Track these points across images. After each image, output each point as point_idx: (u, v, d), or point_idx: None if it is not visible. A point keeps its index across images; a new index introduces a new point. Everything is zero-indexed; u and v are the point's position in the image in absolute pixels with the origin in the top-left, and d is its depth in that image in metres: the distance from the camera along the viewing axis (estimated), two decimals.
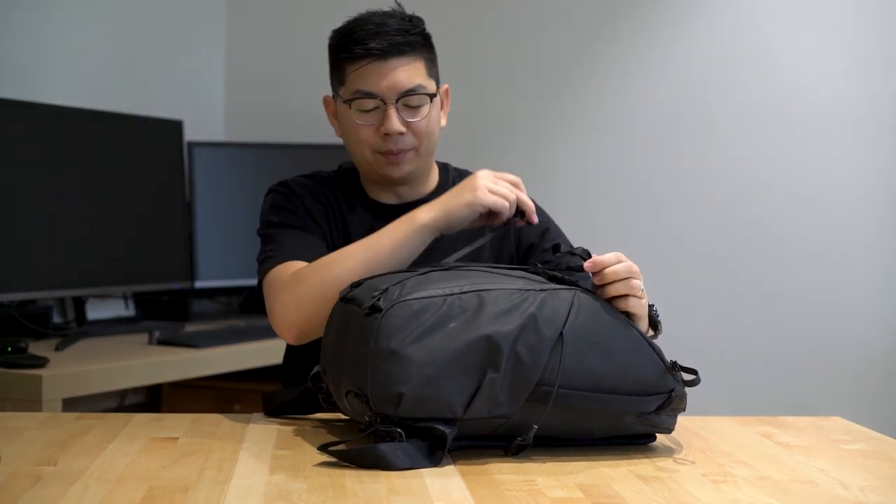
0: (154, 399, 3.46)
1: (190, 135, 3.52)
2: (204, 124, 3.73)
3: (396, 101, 1.83)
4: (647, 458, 1.50)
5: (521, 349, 1.42)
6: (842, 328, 3.32)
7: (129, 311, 3.44)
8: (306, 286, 1.73)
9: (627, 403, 1.49)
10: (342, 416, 1.65)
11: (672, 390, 1.51)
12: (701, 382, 1.53)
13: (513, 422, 1.45)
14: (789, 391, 3.36)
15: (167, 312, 3.42)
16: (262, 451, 1.49)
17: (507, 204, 1.74)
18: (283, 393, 1.74)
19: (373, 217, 1.91)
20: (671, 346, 1.63)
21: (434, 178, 1.98)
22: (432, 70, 1.89)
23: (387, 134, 1.84)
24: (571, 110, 3.59)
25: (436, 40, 1.91)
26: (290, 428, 1.64)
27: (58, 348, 2.78)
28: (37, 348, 2.74)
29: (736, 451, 1.56)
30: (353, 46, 1.83)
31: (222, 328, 3.22)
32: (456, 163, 2.04)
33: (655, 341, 1.56)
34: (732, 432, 1.69)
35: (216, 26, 3.87)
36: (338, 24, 1.89)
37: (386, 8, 1.89)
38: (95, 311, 3.31)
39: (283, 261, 1.80)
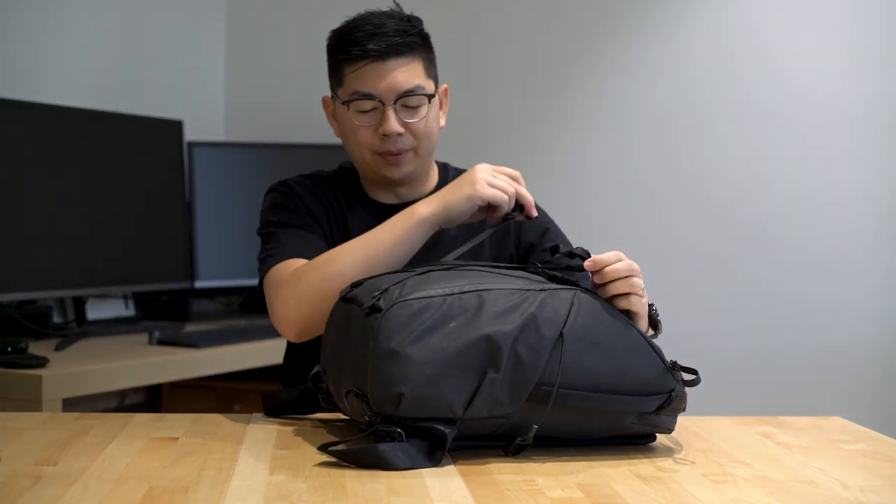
0: (154, 399, 3.46)
1: (190, 135, 3.52)
2: (204, 124, 3.73)
3: (395, 102, 1.83)
4: (647, 458, 1.50)
5: (521, 349, 1.42)
6: (840, 328, 3.32)
7: (129, 311, 3.44)
8: (307, 283, 1.73)
9: (627, 403, 1.49)
10: (342, 416, 1.66)
11: (672, 390, 1.51)
12: (701, 382, 1.54)
13: (513, 422, 1.45)
14: (788, 391, 3.36)
15: (167, 312, 3.43)
16: (262, 451, 1.49)
17: (506, 197, 1.74)
18: (283, 393, 1.74)
19: (373, 217, 1.91)
20: (670, 346, 1.63)
21: (433, 177, 1.98)
22: (431, 70, 1.89)
23: (385, 135, 1.84)
24: (570, 110, 3.60)
25: (435, 40, 1.91)
26: (290, 428, 1.64)
27: (58, 348, 2.78)
28: (37, 348, 2.74)
29: (736, 451, 1.56)
30: (351, 48, 1.83)
31: (222, 328, 3.22)
32: (455, 163, 2.04)
33: (655, 341, 1.56)
34: (732, 432, 1.69)
35: (216, 26, 3.87)
36: (338, 24, 1.89)
37: (384, 8, 1.89)
38: (95, 311, 3.31)
39: (284, 259, 1.80)
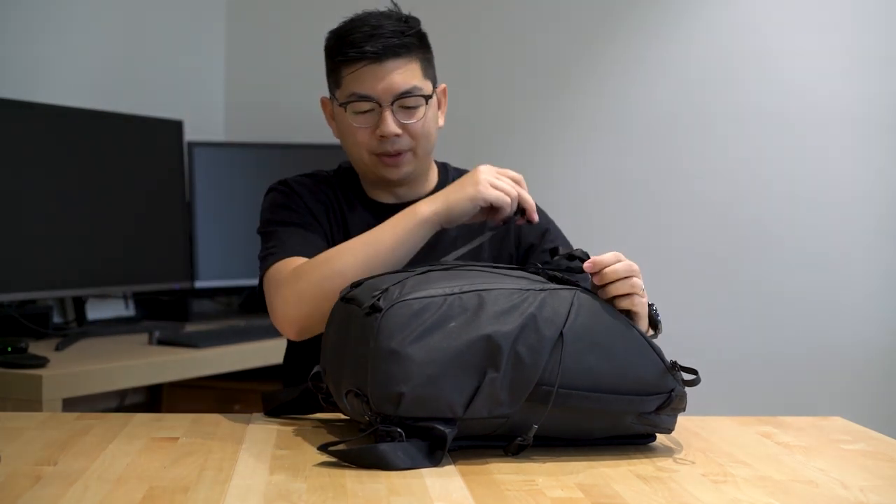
0: (154, 399, 3.46)
1: (190, 135, 3.52)
2: (204, 124, 3.73)
3: (392, 104, 1.83)
4: (647, 458, 1.50)
5: (521, 349, 1.42)
6: (840, 328, 3.32)
7: (129, 311, 3.44)
8: (307, 282, 1.73)
9: (627, 403, 1.49)
10: (342, 416, 1.66)
11: (672, 390, 1.51)
12: (701, 382, 1.53)
13: (513, 422, 1.45)
14: (788, 391, 3.36)
15: (167, 312, 3.43)
16: (262, 451, 1.49)
17: (508, 200, 1.74)
18: (283, 393, 1.74)
19: (372, 216, 1.91)
20: (670, 346, 1.63)
21: (433, 177, 1.98)
22: (428, 71, 1.88)
23: (383, 136, 1.84)
24: (570, 110, 3.60)
25: (434, 40, 1.91)
26: (290, 428, 1.64)
27: (58, 348, 2.78)
28: (37, 348, 2.74)
29: (736, 451, 1.56)
30: (348, 49, 1.83)
31: (222, 328, 3.22)
32: (455, 163, 2.04)
33: (655, 341, 1.56)
34: (732, 432, 1.69)
35: (216, 26, 3.87)
36: (337, 24, 1.89)
37: (382, 8, 1.89)
38: (95, 311, 3.31)
39: (284, 257, 1.80)
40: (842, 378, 3.31)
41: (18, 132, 2.94)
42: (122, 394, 3.30)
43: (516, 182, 1.77)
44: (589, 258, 1.57)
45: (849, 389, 3.30)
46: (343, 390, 1.47)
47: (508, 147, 3.63)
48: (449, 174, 1.99)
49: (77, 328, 3.13)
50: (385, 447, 1.39)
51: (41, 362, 2.56)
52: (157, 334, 2.98)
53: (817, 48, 3.35)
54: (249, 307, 3.59)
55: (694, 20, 3.46)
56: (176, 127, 3.42)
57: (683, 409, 1.55)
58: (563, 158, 3.60)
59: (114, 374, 2.68)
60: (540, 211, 1.91)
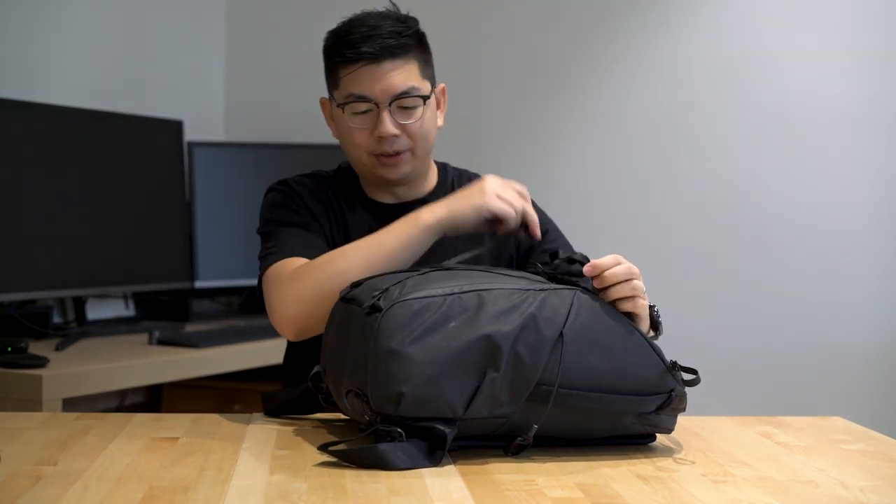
0: (154, 399, 3.46)
1: (190, 135, 3.52)
2: (204, 124, 3.73)
3: (389, 104, 1.82)
4: (647, 458, 1.50)
5: (521, 349, 1.42)
6: (840, 328, 3.32)
7: (129, 311, 3.44)
8: (307, 283, 1.73)
9: (627, 403, 1.49)
10: (342, 416, 1.66)
11: (672, 390, 1.51)
12: (701, 382, 1.53)
13: (513, 422, 1.45)
14: (788, 391, 3.36)
15: (167, 312, 3.43)
16: (262, 451, 1.49)
17: (513, 212, 1.74)
18: (283, 393, 1.74)
19: (372, 216, 1.91)
20: (670, 346, 1.63)
21: (433, 177, 1.98)
22: (426, 71, 1.88)
23: (381, 137, 1.84)
24: (570, 110, 3.60)
25: (434, 40, 1.91)
26: (290, 428, 1.64)
27: (58, 348, 2.78)
28: (37, 348, 2.74)
29: (736, 451, 1.56)
30: (345, 50, 1.83)
31: (222, 328, 3.22)
32: (455, 163, 2.04)
33: (655, 341, 1.56)
34: (732, 432, 1.69)
35: (216, 26, 3.87)
36: (337, 23, 1.89)
37: (381, 8, 1.89)
38: (95, 311, 3.31)
39: (284, 257, 1.80)
40: (842, 378, 3.31)
41: (18, 132, 2.94)
42: (122, 394, 3.30)
43: (521, 196, 1.77)
44: (588, 261, 1.57)
45: (849, 389, 3.30)
46: (343, 390, 1.47)
47: (508, 147, 3.63)
48: (449, 174, 1.99)
49: (77, 328, 3.13)
50: (385, 447, 1.39)
51: (41, 362, 2.56)
52: (157, 334, 2.98)
53: (817, 48, 3.35)
54: (249, 307, 3.59)
55: (694, 20, 3.46)
56: (176, 127, 3.42)
57: (683, 409, 1.55)
58: (562, 158, 3.60)
59: (114, 374, 2.68)
60: (540, 211, 1.91)
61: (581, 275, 1.56)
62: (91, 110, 3.17)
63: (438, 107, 1.92)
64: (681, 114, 3.48)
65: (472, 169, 2.04)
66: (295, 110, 3.71)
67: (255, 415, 1.73)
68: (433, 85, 1.90)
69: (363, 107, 1.84)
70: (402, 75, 1.83)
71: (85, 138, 3.12)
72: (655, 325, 1.62)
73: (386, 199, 1.94)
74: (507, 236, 1.80)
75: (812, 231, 3.35)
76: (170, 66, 3.66)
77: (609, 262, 1.56)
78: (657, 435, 1.57)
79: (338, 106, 1.86)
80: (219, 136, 3.85)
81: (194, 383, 3.16)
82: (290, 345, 1.98)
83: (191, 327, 3.26)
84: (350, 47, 1.82)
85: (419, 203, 1.93)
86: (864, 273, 3.32)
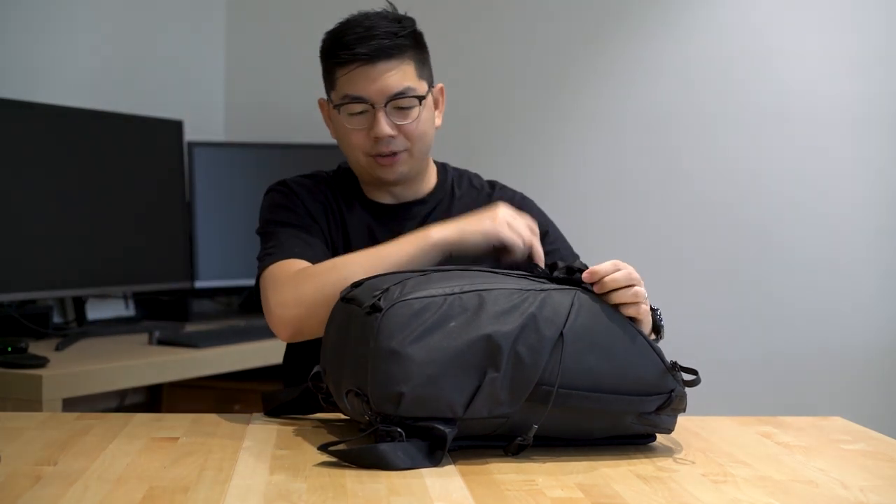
0: (154, 399, 3.46)
1: (190, 135, 3.52)
2: (204, 124, 3.73)
3: (385, 105, 1.82)
4: (647, 458, 1.50)
5: (521, 349, 1.42)
6: (840, 328, 3.32)
7: (129, 311, 3.44)
8: (308, 286, 1.73)
9: (627, 403, 1.49)
10: (342, 416, 1.66)
11: (672, 390, 1.51)
12: (701, 382, 1.53)
13: (513, 422, 1.45)
14: (788, 391, 3.36)
15: (167, 312, 3.43)
16: (262, 451, 1.49)
17: (521, 244, 1.74)
18: (283, 393, 1.74)
19: (371, 217, 1.91)
20: (670, 346, 1.63)
21: (432, 178, 1.98)
22: (423, 71, 1.88)
23: (377, 137, 1.84)
24: (570, 110, 3.60)
25: (432, 39, 1.91)
26: (290, 428, 1.64)
27: (58, 348, 2.78)
28: (37, 348, 2.74)
29: (736, 451, 1.56)
30: (340, 51, 1.83)
31: (222, 328, 3.22)
32: (455, 163, 2.04)
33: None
34: (732, 432, 1.69)
35: (216, 26, 3.87)
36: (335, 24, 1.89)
37: (378, 8, 1.89)
38: (95, 311, 3.31)
39: (283, 258, 1.80)
40: (842, 378, 3.31)
41: (18, 132, 2.94)
42: (122, 394, 3.30)
43: (531, 230, 1.76)
44: (587, 268, 1.57)
45: (849, 389, 3.30)
46: (343, 390, 1.47)
47: (508, 147, 3.63)
48: (448, 174, 1.99)
49: (77, 328, 3.13)
50: (385, 447, 1.39)
51: (41, 362, 2.56)
52: (157, 334, 2.98)
53: (817, 48, 3.35)
54: (249, 307, 3.59)
55: (694, 20, 3.46)
56: (176, 127, 3.42)
57: (683, 410, 1.55)
58: (562, 158, 3.60)
59: (114, 374, 2.68)
60: (540, 212, 1.92)
61: (581, 283, 1.56)
62: (91, 110, 3.17)
63: (436, 107, 1.92)
64: (681, 114, 3.48)
65: (472, 169, 2.04)
66: (295, 110, 3.71)
67: (255, 415, 1.73)
68: (430, 85, 1.89)
69: (359, 108, 1.84)
70: (398, 76, 1.82)
71: (85, 138, 3.12)
72: (657, 328, 1.62)
73: (385, 199, 1.94)
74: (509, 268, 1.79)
75: (812, 231, 3.35)
76: (170, 66, 3.66)
77: (608, 267, 1.55)
78: (657, 435, 1.57)
79: (334, 107, 1.86)
80: (219, 136, 3.85)
81: (194, 383, 3.16)
82: (290, 345, 1.98)
83: (191, 327, 3.26)
84: (345, 48, 1.82)
85: (418, 203, 1.94)
86: (864, 273, 3.32)
